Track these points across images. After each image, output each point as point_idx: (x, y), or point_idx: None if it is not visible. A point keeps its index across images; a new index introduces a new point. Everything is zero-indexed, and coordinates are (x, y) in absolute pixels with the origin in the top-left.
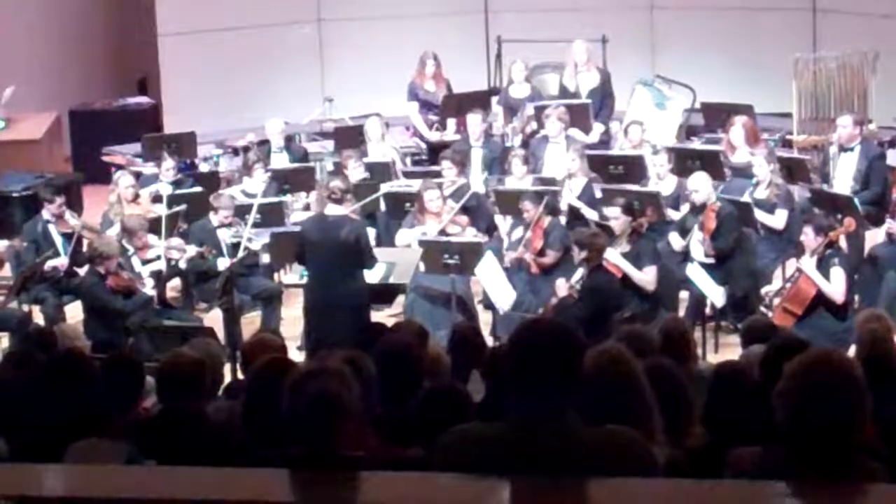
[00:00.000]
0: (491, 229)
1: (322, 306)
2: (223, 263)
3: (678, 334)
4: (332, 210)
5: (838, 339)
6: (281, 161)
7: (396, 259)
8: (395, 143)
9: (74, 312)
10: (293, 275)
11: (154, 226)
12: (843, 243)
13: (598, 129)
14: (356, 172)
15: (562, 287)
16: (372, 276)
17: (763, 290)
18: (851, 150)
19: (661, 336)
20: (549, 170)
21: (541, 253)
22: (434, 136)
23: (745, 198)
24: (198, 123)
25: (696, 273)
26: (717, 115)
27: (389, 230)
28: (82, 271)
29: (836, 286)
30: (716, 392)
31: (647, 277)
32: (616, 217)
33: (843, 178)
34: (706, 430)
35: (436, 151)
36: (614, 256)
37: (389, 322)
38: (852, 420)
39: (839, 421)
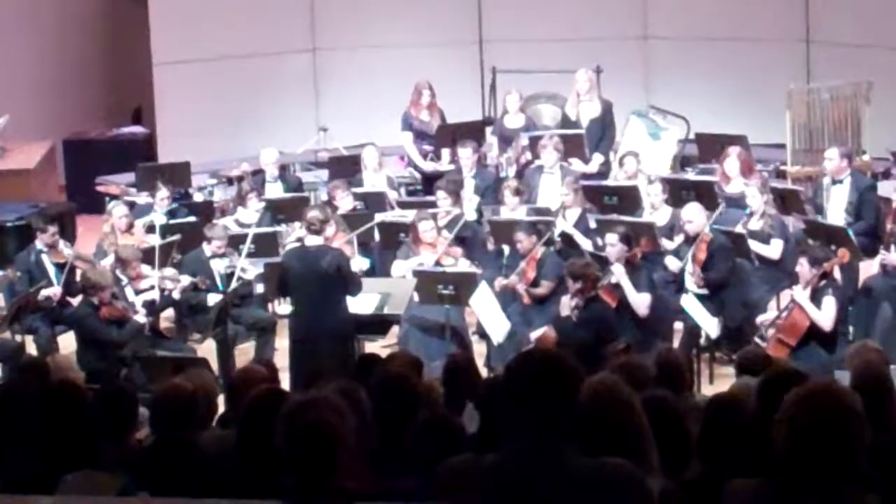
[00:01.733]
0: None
1: (307, 336)
2: (214, 297)
3: (673, 365)
4: (312, 241)
5: (831, 371)
6: (275, 191)
7: (390, 290)
8: (392, 173)
9: (68, 342)
10: (287, 305)
11: (148, 256)
12: (837, 274)
13: (597, 159)
14: (345, 202)
15: (565, 305)
16: (366, 306)
17: (758, 320)
18: (841, 182)
19: (656, 367)
20: (543, 200)
21: (534, 283)
22: (428, 165)
23: (739, 229)
24: (192, 153)
25: (690, 304)
26: (711, 146)
27: (383, 260)
28: (76, 301)
29: (825, 314)
30: (711, 423)
31: (641, 300)
32: (612, 244)
33: (836, 209)
34: (701, 462)
35: (430, 181)
36: (619, 271)
37: (384, 353)
38: (852, 450)
39: (839, 451)
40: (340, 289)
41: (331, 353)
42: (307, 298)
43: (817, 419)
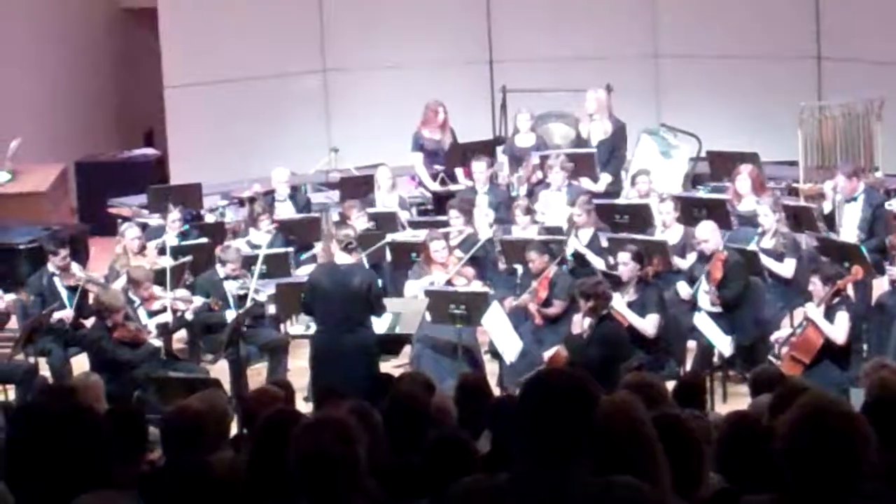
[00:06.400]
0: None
1: (332, 355)
2: (230, 315)
3: (688, 383)
4: (343, 259)
5: (846, 389)
6: (286, 210)
7: (403, 309)
8: (404, 193)
9: (81, 364)
10: (299, 326)
11: (160, 277)
12: (850, 291)
13: (605, 178)
14: (359, 222)
15: (577, 323)
16: (378, 326)
17: (773, 337)
18: (855, 199)
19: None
20: (550, 219)
21: (546, 303)
22: (435, 185)
23: (752, 247)
24: (203, 175)
25: (703, 322)
26: (722, 164)
27: (395, 280)
28: (88, 323)
29: (838, 328)
30: (727, 441)
31: (647, 324)
32: (625, 263)
33: (850, 227)
34: (722, 479)
35: (442, 201)
36: (619, 304)
37: (396, 373)
38: (856, 468)
39: (842, 471)
40: (367, 308)
41: (354, 372)
42: (334, 315)
43: (818, 441)
